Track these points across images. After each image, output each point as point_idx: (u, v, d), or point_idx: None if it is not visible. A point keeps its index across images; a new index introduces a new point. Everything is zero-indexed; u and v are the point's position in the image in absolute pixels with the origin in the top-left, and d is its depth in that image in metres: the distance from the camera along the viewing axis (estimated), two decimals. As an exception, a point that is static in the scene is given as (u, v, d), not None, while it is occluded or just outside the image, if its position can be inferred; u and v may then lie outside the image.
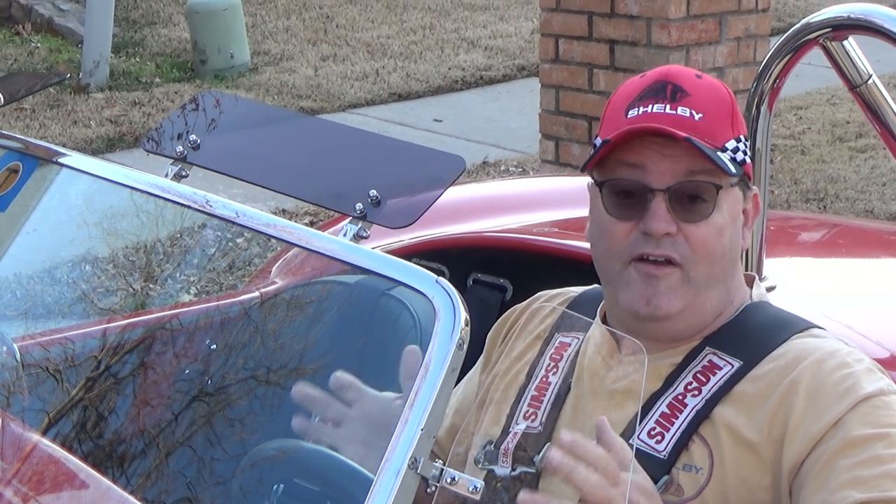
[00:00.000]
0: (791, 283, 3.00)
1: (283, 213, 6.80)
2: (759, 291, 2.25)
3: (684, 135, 2.07)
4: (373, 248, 2.06)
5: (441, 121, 9.37)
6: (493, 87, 10.23)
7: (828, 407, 2.02)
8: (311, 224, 5.72)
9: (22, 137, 2.60)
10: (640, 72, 2.28)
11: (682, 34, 6.14)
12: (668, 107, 2.11)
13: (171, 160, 2.29)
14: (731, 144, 2.13)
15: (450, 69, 10.46)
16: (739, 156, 2.14)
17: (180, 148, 2.28)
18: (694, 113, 2.11)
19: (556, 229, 3.38)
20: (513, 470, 2.16)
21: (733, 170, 2.11)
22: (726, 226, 2.12)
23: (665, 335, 2.14)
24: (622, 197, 2.12)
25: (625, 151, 2.10)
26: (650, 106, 2.11)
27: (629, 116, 2.12)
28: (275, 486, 2.21)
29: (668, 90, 2.12)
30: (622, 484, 1.89)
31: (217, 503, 2.27)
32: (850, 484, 1.95)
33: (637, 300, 2.11)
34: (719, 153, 2.10)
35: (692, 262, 2.10)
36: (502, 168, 8.19)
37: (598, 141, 2.16)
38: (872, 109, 2.78)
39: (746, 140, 2.17)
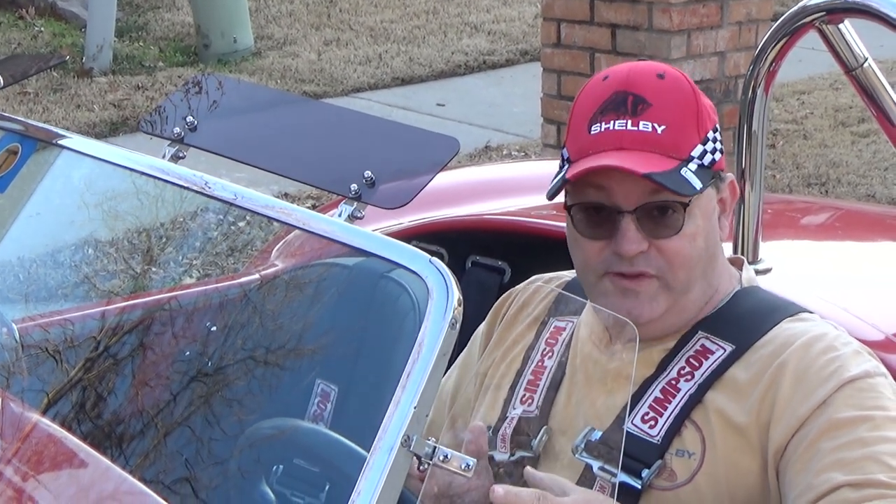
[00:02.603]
0: (789, 265, 3.01)
1: (286, 196, 6.80)
2: (748, 275, 2.25)
3: (643, 171, 2.04)
4: (373, 231, 2.07)
5: (444, 105, 9.36)
6: (496, 72, 10.22)
7: (813, 389, 2.02)
8: (313, 208, 5.73)
9: (21, 119, 2.61)
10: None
11: (684, 18, 6.13)
12: (629, 122, 2.09)
13: (168, 141, 2.29)
14: (697, 151, 2.10)
15: (453, 53, 10.45)
16: (707, 158, 2.12)
17: (177, 129, 2.29)
18: (656, 126, 2.08)
19: (555, 212, 3.38)
20: (511, 455, 2.17)
21: (699, 185, 2.09)
22: (699, 231, 2.11)
23: (649, 336, 2.14)
24: (592, 217, 2.11)
25: (590, 175, 2.09)
26: (612, 122, 2.09)
27: (592, 133, 2.10)
28: (274, 467, 2.23)
29: (629, 102, 2.10)
30: None
31: (215, 482, 2.29)
32: (833, 466, 1.95)
33: (617, 311, 2.10)
34: (683, 169, 2.08)
35: (669, 271, 2.10)
36: (504, 152, 8.19)
37: (565, 153, 2.15)
38: (868, 93, 2.78)
39: (716, 132, 2.15)
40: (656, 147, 2.08)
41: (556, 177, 2.15)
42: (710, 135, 2.14)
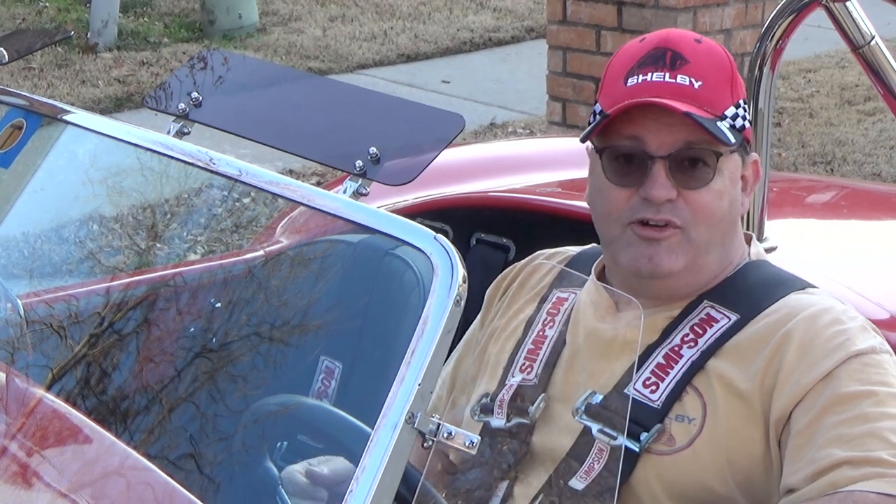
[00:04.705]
0: (794, 243, 3.01)
1: (291, 173, 6.78)
2: (756, 250, 2.27)
3: (684, 109, 2.07)
4: (377, 208, 2.07)
5: (449, 82, 9.35)
6: (502, 49, 10.19)
7: (819, 360, 2.04)
8: (318, 184, 5.73)
9: (26, 94, 2.61)
10: (648, 33, 2.29)
11: (690, -5, 6.12)
12: (667, 75, 2.12)
13: (174, 117, 2.29)
14: (730, 111, 2.14)
15: (458, 30, 10.42)
16: (739, 122, 2.15)
17: (182, 105, 2.28)
18: (693, 81, 2.11)
19: (560, 189, 3.39)
20: (508, 421, 2.18)
21: (732, 139, 2.12)
22: (726, 190, 2.14)
23: (664, 293, 2.16)
24: (622, 163, 2.13)
25: (624, 122, 2.11)
26: (649, 74, 2.12)
27: (629, 85, 2.12)
28: (278, 443, 2.23)
29: (667, 57, 2.13)
30: None
31: (219, 458, 2.29)
32: (834, 442, 1.97)
33: (638, 259, 2.13)
34: (718, 122, 2.11)
35: (693, 224, 2.12)
36: (510, 130, 8.18)
37: (598, 108, 2.16)
38: (875, 70, 2.78)
39: (746, 104, 2.18)
40: (692, 100, 2.11)
41: (592, 122, 2.16)
42: (742, 103, 2.17)
